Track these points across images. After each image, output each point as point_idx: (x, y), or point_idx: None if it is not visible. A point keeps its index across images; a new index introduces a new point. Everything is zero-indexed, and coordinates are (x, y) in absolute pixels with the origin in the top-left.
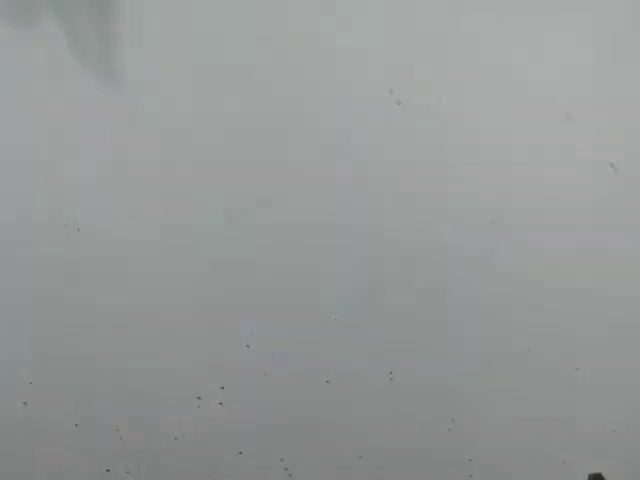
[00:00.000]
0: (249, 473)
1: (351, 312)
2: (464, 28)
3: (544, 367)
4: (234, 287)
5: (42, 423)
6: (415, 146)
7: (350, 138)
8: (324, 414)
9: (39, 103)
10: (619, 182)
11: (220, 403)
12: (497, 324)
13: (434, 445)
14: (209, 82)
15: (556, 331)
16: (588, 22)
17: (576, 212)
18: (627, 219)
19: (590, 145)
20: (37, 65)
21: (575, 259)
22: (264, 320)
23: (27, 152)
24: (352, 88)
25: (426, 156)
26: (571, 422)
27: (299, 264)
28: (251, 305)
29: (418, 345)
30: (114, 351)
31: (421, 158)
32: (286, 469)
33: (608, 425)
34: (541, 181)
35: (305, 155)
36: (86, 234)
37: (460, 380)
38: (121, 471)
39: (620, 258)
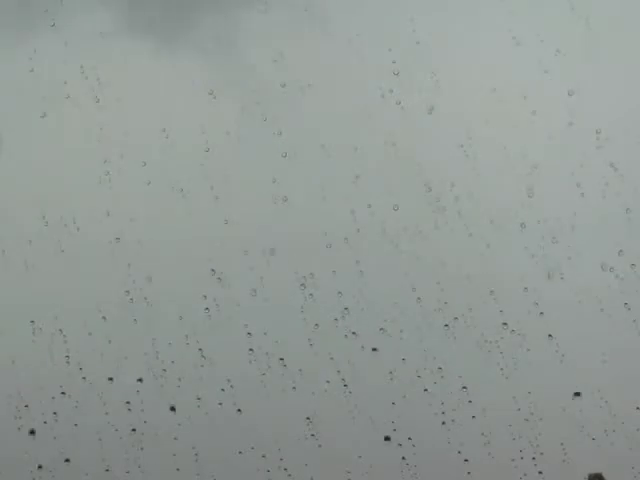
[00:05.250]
0: (249, 473)
1: (352, 313)
2: (464, 29)
3: (544, 367)
4: (234, 287)
5: (43, 423)
6: (414, 146)
7: (349, 138)
8: (324, 414)
9: None
10: (619, 182)
11: (220, 403)
12: (497, 324)
13: (432, 445)
14: None
15: (556, 331)
16: (587, 24)
17: (576, 211)
18: (627, 218)
19: (590, 145)
20: None
21: (575, 258)
22: (265, 322)
23: (29, 154)
24: (352, 88)
25: (426, 156)
26: (571, 422)
27: (299, 266)
28: (251, 307)
29: (418, 345)
30: (114, 351)
31: (421, 158)
32: (286, 469)
33: (608, 425)
34: (541, 181)
35: (304, 155)
36: (86, 234)
37: (459, 380)
38: (121, 471)
39: (620, 257)
